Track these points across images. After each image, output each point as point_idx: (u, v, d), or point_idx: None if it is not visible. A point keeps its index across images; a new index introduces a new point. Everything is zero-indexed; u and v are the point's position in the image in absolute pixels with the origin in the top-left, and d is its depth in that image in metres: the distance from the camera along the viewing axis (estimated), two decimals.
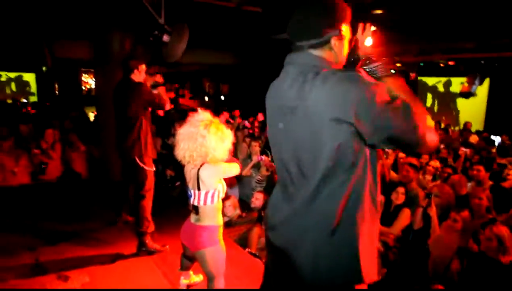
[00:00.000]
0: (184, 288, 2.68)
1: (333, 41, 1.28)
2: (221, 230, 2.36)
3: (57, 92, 12.02)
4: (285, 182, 1.38)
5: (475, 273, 2.76)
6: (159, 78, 3.63)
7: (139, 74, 3.38)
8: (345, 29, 1.31)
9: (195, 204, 2.29)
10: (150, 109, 3.46)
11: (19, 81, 12.84)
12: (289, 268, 1.31)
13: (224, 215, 4.19)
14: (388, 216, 3.88)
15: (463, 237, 3.09)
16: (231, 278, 2.77)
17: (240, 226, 3.95)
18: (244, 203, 4.63)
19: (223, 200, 4.17)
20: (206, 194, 2.26)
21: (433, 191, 3.94)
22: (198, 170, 2.23)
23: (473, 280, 2.67)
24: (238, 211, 4.20)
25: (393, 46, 7.27)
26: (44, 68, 10.73)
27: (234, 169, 2.35)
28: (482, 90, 10.73)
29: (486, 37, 6.62)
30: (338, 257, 1.26)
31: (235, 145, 7.25)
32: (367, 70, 1.36)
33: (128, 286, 2.84)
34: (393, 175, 4.86)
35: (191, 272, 2.74)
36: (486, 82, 10.60)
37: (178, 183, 5.74)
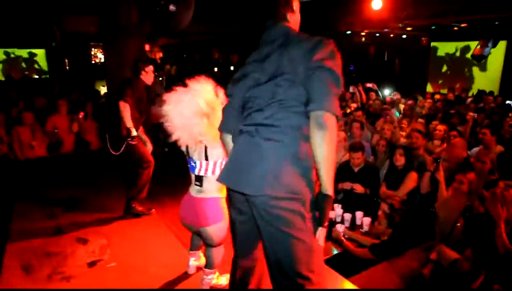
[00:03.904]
0: (193, 270, 2.64)
1: (289, 16, 1.70)
2: (224, 200, 2.29)
3: (67, 67, 12.11)
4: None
5: (479, 233, 2.81)
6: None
7: (147, 75, 3.56)
8: (295, 5, 1.73)
9: (200, 174, 2.26)
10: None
11: (29, 58, 12.94)
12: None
13: None
14: (395, 179, 3.93)
15: (469, 199, 3.13)
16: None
17: None
18: None
19: None
20: (215, 163, 2.24)
21: (441, 155, 3.95)
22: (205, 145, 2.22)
23: (475, 240, 2.73)
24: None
25: (403, 10, 7.07)
26: (53, 44, 10.77)
27: None
28: (498, 55, 10.40)
29: None
30: None
31: None
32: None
33: (143, 248, 3.00)
34: (402, 140, 4.87)
35: (201, 254, 2.68)
36: (503, 46, 10.26)
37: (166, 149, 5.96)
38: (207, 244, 2.38)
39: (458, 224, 3.02)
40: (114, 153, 3.44)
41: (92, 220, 3.48)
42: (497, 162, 3.95)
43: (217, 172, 2.23)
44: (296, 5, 1.73)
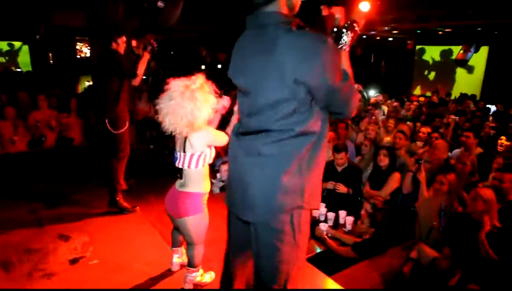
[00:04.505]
0: (177, 267, 2.64)
1: None
2: (206, 197, 2.33)
3: (51, 61, 11.88)
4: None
5: (457, 232, 2.89)
6: (153, 43, 3.63)
7: (118, 48, 3.39)
8: None
9: (180, 166, 2.27)
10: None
11: (10, 50, 12.66)
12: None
13: (220, 180, 4.34)
14: (378, 179, 4.00)
15: (449, 199, 3.21)
16: (225, 239, 2.91)
17: None
18: None
19: (220, 164, 4.30)
20: (192, 156, 2.23)
21: (423, 157, 4.04)
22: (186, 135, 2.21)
23: (454, 239, 2.80)
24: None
25: (389, 13, 7.18)
26: (37, 37, 10.54)
27: (222, 138, 2.27)
28: (481, 59, 10.68)
29: (483, 3, 6.53)
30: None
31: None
32: (336, 31, 1.52)
33: (126, 245, 2.98)
34: (386, 139, 4.96)
35: (183, 250, 2.65)
36: (485, 51, 10.54)
37: (152, 146, 5.87)
38: (188, 242, 2.39)
39: (435, 223, 3.10)
40: (114, 132, 3.38)
41: (74, 216, 3.43)
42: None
43: (193, 166, 2.23)
44: None
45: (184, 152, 2.24)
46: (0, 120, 5.36)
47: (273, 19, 1.40)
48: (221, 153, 5.08)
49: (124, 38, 3.42)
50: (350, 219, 3.53)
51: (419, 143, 4.91)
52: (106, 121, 3.36)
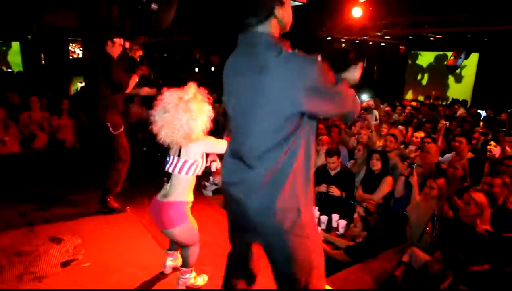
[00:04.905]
0: (169, 270, 2.62)
1: (277, 10, 1.45)
2: (189, 206, 2.32)
3: (43, 61, 11.76)
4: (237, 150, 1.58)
5: (448, 236, 2.92)
6: (144, 71, 3.67)
7: (113, 48, 3.36)
8: None
9: (169, 170, 2.25)
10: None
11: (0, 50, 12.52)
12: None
13: (213, 183, 4.34)
14: (371, 182, 4.03)
15: (439, 203, 3.25)
16: (221, 242, 2.90)
17: None
18: None
19: (211, 161, 4.29)
20: (184, 163, 2.22)
21: (415, 161, 4.09)
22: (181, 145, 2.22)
23: (445, 242, 2.83)
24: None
25: (382, 18, 7.26)
26: (29, 37, 10.44)
27: (221, 145, 2.27)
28: (471, 65, 10.85)
29: (474, 10, 6.64)
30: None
31: (224, 116, 7.25)
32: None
33: (119, 248, 2.96)
34: (378, 143, 5.01)
35: (178, 254, 2.63)
36: (476, 57, 10.71)
37: (144, 148, 5.88)
38: (181, 245, 2.38)
39: (427, 228, 3.13)
40: (114, 132, 3.38)
41: (66, 218, 3.40)
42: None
43: (184, 172, 2.22)
44: None
45: (179, 157, 2.24)
46: None
47: (263, 40, 1.41)
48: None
49: (121, 41, 3.40)
50: (343, 223, 3.55)
51: (412, 147, 4.97)
52: (108, 124, 3.35)
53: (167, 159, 2.31)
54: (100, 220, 3.43)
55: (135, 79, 3.52)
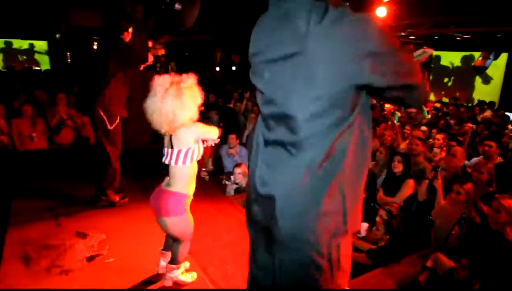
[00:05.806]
0: (163, 270, 2.56)
1: None
2: (189, 200, 2.29)
3: (69, 60, 12.11)
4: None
5: (476, 242, 2.84)
6: (160, 51, 3.71)
7: (128, 36, 3.41)
8: None
9: (166, 162, 2.23)
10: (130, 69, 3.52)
11: (29, 49, 12.94)
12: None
13: (234, 182, 4.35)
14: (392, 185, 3.96)
15: (466, 209, 3.16)
16: (240, 241, 2.91)
17: None
18: None
19: (234, 167, 4.31)
20: (179, 152, 2.18)
21: (440, 164, 3.99)
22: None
23: (472, 249, 2.76)
24: (247, 179, 4.33)
25: (406, 18, 7.12)
26: (57, 36, 10.75)
27: (212, 132, 2.26)
28: (500, 66, 10.49)
29: (501, 9, 6.42)
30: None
31: (246, 115, 7.25)
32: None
33: (141, 244, 3.01)
34: (402, 145, 4.91)
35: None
36: (504, 58, 10.35)
37: None
38: (172, 239, 2.38)
39: (453, 232, 3.06)
40: (110, 127, 3.43)
41: (91, 214, 3.49)
42: (496, 172, 3.98)
43: (180, 163, 2.19)
44: None
45: (172, 147, 2.21)
46: (18, 118, 5.47)
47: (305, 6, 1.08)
48: (234, 153, 5.10)
49: (132, 29, 3.42)
50: (364, 225, 3.50)
51: (436, 150, 4.85)
52: (101, 112, 3.37)
53: (163, 151, 2.29)
54: (124, 216, 3.49)
55: (151, 57, 3.57)
